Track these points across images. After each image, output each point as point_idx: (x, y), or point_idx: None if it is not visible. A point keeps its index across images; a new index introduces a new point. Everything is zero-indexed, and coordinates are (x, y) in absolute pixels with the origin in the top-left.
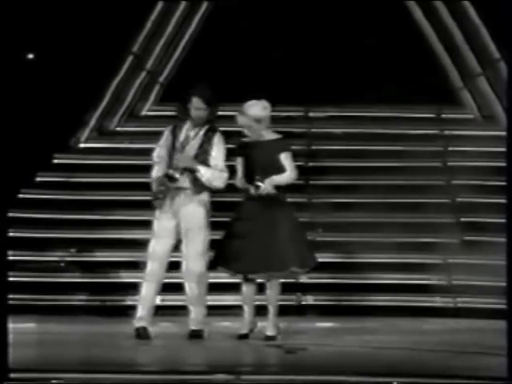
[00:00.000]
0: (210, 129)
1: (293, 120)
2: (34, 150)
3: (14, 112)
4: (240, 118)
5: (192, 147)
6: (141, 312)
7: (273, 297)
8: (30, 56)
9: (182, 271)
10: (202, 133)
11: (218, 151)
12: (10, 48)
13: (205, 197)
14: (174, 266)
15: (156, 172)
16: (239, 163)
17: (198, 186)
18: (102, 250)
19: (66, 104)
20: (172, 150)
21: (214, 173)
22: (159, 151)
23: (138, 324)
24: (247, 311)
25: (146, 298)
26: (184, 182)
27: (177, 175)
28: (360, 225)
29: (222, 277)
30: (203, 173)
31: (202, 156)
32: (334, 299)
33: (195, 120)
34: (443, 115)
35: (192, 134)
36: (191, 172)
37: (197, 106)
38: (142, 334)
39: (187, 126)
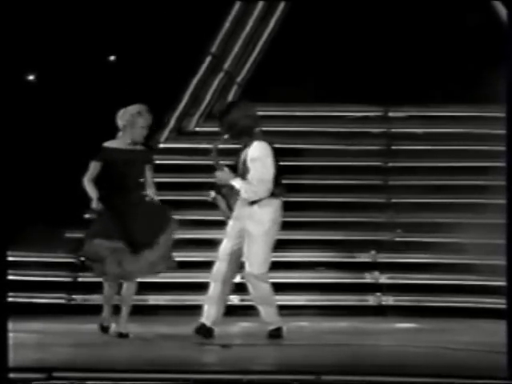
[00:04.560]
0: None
1: (372, 120)
2: None
3: (92, 112)
4: (142, 120)
5: (239, 163)
6: (208, 311)
7: (129, 295)
8: (112, 58)
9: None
10: (245, 148)
11: (251, 165)
12: (91, 50)
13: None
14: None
15: None
16: (95, 167)
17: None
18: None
19: (145, 104)
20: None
21: (244, 186)
22: None
23: (204, 321)
24: (107, 310)
25: (213, 297)
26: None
27: (212, 194)
28: (440, 225)
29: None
30: (238, 187)
31: (244, 169)
32: (414, 300)
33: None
34: None
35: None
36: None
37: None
38: (204, 331)
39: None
